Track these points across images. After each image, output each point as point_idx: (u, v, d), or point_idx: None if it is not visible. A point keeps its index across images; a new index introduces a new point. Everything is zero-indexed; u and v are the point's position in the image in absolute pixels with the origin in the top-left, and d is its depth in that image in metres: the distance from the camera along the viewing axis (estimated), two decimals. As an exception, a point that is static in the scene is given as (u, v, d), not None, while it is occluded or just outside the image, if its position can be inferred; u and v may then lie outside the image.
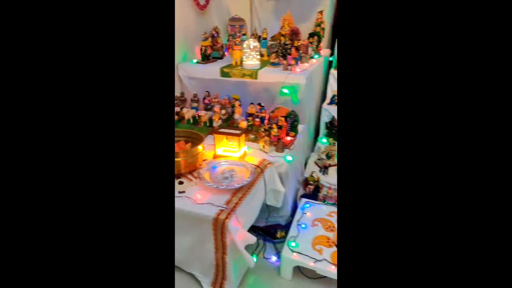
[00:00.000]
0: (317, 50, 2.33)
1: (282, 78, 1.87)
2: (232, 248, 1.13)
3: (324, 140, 2.26)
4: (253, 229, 1.51)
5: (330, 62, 2.48)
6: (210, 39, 2.23)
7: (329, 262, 1.25)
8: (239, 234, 1.14)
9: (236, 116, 1.88)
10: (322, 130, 2.40)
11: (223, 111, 1.84)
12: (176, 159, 1.28)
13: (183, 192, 1.24)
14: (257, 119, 1.81)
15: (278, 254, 1.44)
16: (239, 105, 1.86)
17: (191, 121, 1.94)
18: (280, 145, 1.57)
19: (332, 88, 2.39)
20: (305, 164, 2.16)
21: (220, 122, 1.79)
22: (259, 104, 1.85)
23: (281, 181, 1.52)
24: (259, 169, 1.37)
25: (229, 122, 1.89)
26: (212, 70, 2.10)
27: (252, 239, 1.20)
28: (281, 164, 1.52)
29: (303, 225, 1.48)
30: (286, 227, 1.56)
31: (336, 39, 2.47)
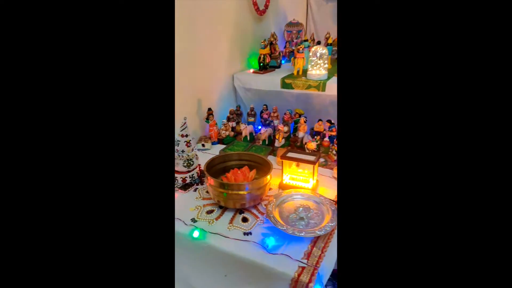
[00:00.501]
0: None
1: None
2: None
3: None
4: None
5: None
6: (269, 46, 2.02)
7: None
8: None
9: (300, 134, 1.62)
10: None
11: (286, 128, 1.60)
12: (240, 192, 1.06)
13: (249, 234, 1.01)
14: (326, 139, 1.54)
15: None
16: (304, 121, 1.60)
17: (248, 138, 1.73)
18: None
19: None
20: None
21: (283, 141, 1.55)
22: (329, 121, 1.58)
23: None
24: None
25: (290, 140, 1.65)
26: (271, 80, 1.87)
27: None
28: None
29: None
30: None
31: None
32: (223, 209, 1.13)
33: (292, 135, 1.67)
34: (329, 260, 0.94)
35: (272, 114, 1.79)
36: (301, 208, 1.07)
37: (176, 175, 1.27)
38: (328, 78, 1.77)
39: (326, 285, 1.08)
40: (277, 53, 2.11)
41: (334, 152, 1.46)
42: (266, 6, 2.17)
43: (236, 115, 1.82)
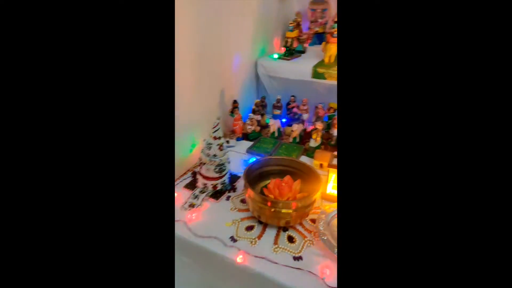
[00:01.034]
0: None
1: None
2: None
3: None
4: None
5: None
6: (297, 29, 1.81)
7: None
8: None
9: (335, 131, 1.47)
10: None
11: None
12: (285, 211, 0.92)
13: (300, 259, 0.88)
14: (366, 139, 1.39)
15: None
16: (340, 118, 1.44)
17: (276, 134, 1.57)
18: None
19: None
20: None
21: (320, 141, 1.39)
22: (369, 119, 1.42)
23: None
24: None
25: (322, 138, 1.49)
26: (300, 68, 1.69)
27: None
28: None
29: None
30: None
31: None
32: (264, 225, 1.00)
33: (324, 132, 1.51)
34: None
35: (301, 107, 1.62)
36: (355, 228, 0.94)
37: (206, 181, 1.12)
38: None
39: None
40: (304, 37, 1.90)
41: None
42: (292, -18, 1.93)
43: (261, 107, 1.65)
